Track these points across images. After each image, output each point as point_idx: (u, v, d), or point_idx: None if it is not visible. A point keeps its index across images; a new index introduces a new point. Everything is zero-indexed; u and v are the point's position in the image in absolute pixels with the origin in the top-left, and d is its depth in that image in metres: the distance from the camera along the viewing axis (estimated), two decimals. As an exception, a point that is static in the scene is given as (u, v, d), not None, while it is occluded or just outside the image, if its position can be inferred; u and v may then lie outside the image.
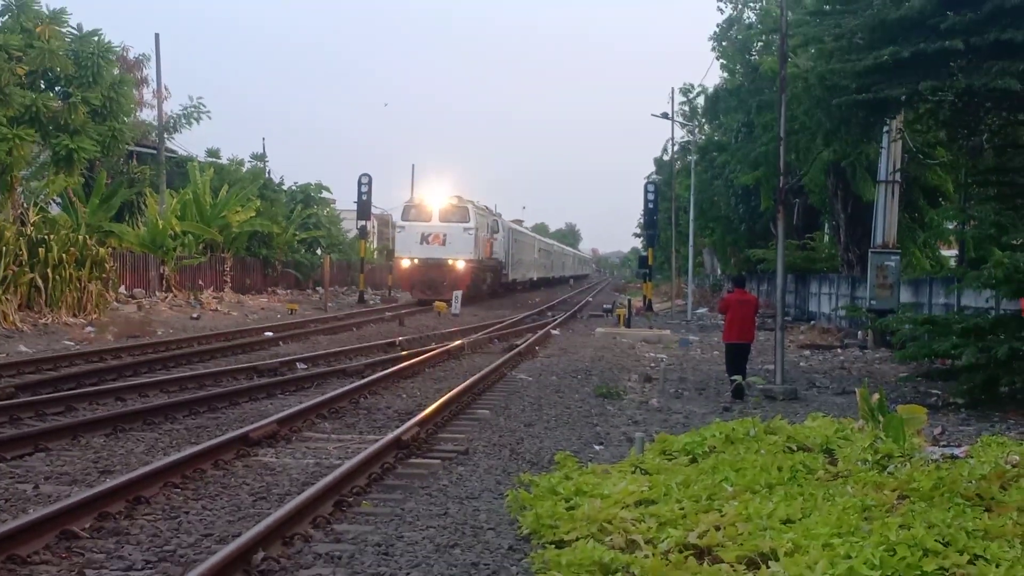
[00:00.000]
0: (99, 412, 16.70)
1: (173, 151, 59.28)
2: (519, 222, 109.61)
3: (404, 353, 27.64)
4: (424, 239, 58.78)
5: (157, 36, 56.33)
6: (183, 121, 56.15)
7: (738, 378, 21.90)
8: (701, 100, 63.67)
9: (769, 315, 36.86)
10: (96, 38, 40.83)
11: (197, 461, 12.85)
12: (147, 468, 11.99)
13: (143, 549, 9.53)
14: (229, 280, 56.19)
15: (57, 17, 39.84)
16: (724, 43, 55.71)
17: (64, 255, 34.54)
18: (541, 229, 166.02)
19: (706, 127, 58.66)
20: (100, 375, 21.53)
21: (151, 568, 8.93)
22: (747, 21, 54.70)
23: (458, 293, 56.44)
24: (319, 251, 73.67)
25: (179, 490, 11.82)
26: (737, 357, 22.37)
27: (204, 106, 55.56)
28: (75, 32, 40.51)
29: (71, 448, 14.01)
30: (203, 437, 14.78)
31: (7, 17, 38.90)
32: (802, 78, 25.00)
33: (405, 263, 59.77)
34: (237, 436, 14.32)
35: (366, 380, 21.09)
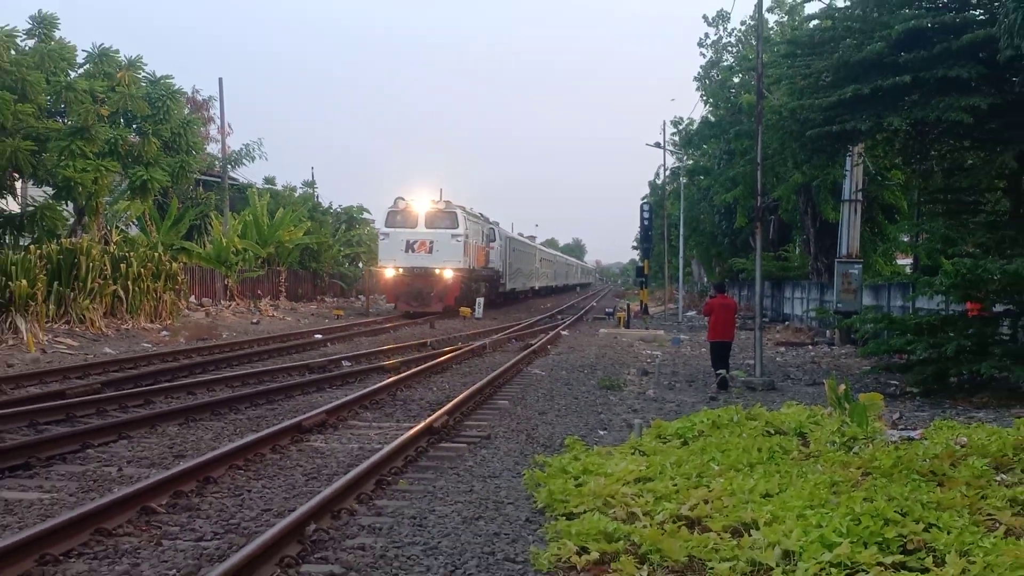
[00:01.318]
0: (173, 404, 16.76)
1: (235, 179, 59.71)
2: (532, 237, 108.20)
3: (434, 352, 27.71)
4: (409, 247, 47.55)
5: (221, 80, 56.43)
6: (244, 157, 57.50)
7: (722, 372, 21.95)
8: (692, 128, 63.74)
9: (749, 317, 36.81)
10: (166, 82, 41.07)
11: (257, 446, 12.92)
12: (215, 452, 12.05)
13: (212, 522, 9.58)
14: (284, 290, 56.37)
15: (134, 64, 40.03)
16: (707, 81, 55.79)
17: (142, 269, 34.76)
18: (552, 243, 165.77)
19: (693, 154, 58.57)
20: (174, 373, 21.61)
21: (218, 539, 8.97)
22: (725, 63, 54.86)
23: (480, 300, 55.78)
24: (360, 264, 72.67)
25: (242, 471, 11.88)
26: (721, 353, 22.37)
27: (262, 146, 57.81)
28: (149, 77, 40.69)
29: (149, 436, 14.07)
30: (262, 425, 14.83)
31: (91, 64, 39.16)
32: (776, 112, 24.97)
33: (389, 273, 48.38)
34: (292, 424, 14.37)
35: (402, 375, 21.11)
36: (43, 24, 37.42)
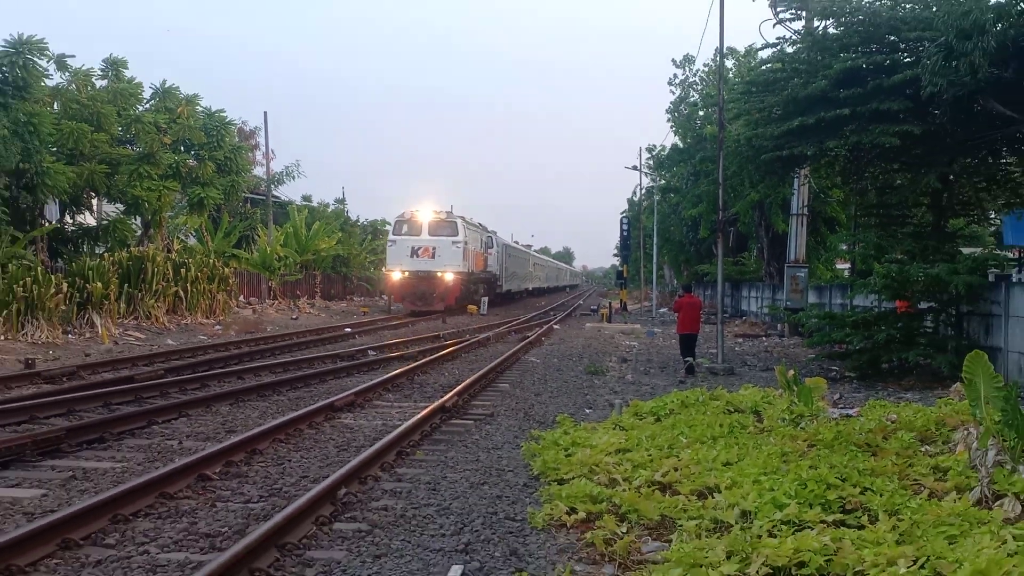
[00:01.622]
0: (225, 387, 16.78)
1: (277, 196, 59.87)
2: (529, 246, 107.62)
3: (446, 343, 27.72)
4: (414, 252, 44.97)
5: (265, 114, 57.20)
6: (285, 177, 58.19)
7: (690, 359, 21.95)
8: (663, 154, 63.76)
9: (712, 313, 36.68)
10: (220, 115, 41.35)
11: (296, 423, 12.93)
12: (260, 428, 12.07)
13: (258, 487, 9.59)
14: (318, 290, 56.52)
15: (191, 100, 40.33)
16: (676, 114, 55.86)
17: (199, 273, 34.91)
18: (545, 251, 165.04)
19: (665, 175, 58.64)
20: (225, 361, 21.63)
21: (264, 501, 8.98)
22: (691, 99, 54.96)
23: (485, 299, 55.47)
24: (384, 269, 73.18)
25: (283, 444, 11.89)
26: (688, 344, 22.33)
27: (300, 167, 58.93)
28: (204, 110, 40.94)
29: (205, 414, 14.09)
30: (300, 405, 14.84)
31: (155, 99, 39.45)
32: (735, 140, 25.03)
33: (396, 275, 45.63)
34: (325, 404, 14.38)
35: (418, 363, 21.10)
36: (114, 66, 37.73)
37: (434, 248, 45.33)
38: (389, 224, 69.73)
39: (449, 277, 44.90)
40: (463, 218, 49.09)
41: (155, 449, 11.40)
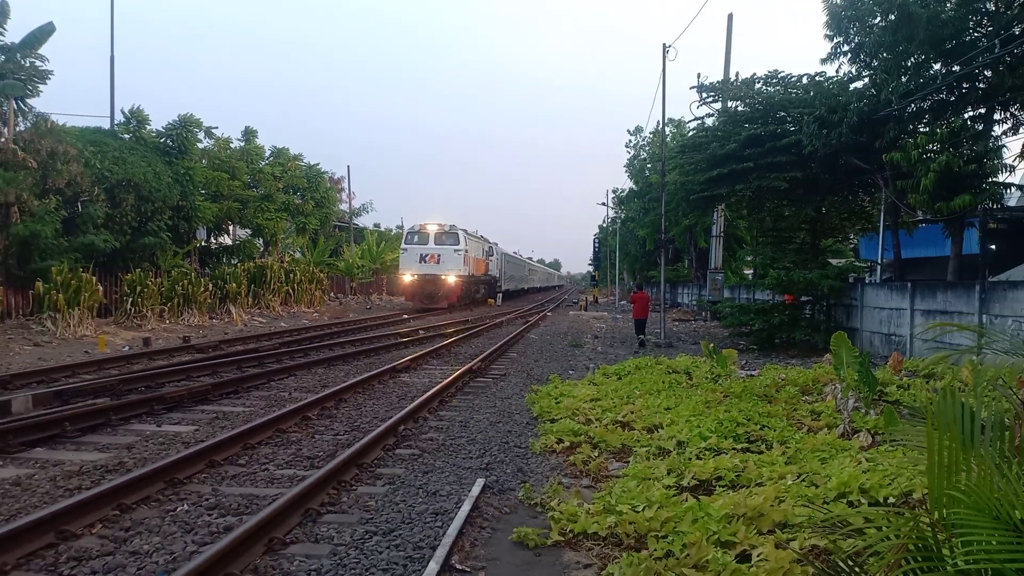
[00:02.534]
0: (321, 355, 16.78)
1: (356, 224, 59.95)
2: (530, 258, 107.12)
3: (473, 325, 27.70)
4: (422, 259, 39.22)
5: (348, 167, 56.87)
6: (362, 211, 58.81)
7: (642, 336, 21.91)
8: (623, 195, 63.86)
9: (656, 304, 36.70)
10: (316, 168, 41.66)
11: (369, 380, 12.93)
12: (345, 384, 12.08)
13: (343, 424, 9.60)
14: (384, 289, 56.43)
15: (296, 157, 40.87)
16: (632, 166, 55.95)
17: (303, 276, 34.92)
18: (541, 261, 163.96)
19: (624, 208, 58.79)
20: (321, 337, 21.61)
21: (347, 434, 8.98)
22: (641, 157, 54.97)
23: (500, 294, 54.72)
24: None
25: (361, 394, 11.90)
26: (640, 326, 22.28)
27: (373, 205, 59.54)
28: (306, 163, 41.25)
29: (307, 375, 14.10)
30: (372, 368, 14.85)
31: (272, 156, 39.89)
32: (672, 184, 25.08)
33: (407, 278, 39.52)
34: (389, 368, 14.35)
35: (453, 339, 21.07)
36: (248, 134, 38.32)
37: (439, 255, 39.47)
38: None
39: (451, 279, 39.17)
40: (465, 231, 43.15)
41: (272, 398, 11.44)
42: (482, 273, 47.20)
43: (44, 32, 23.36)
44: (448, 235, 39.95)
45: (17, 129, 22.35)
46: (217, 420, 9.69)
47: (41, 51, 23.45)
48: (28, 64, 23.27)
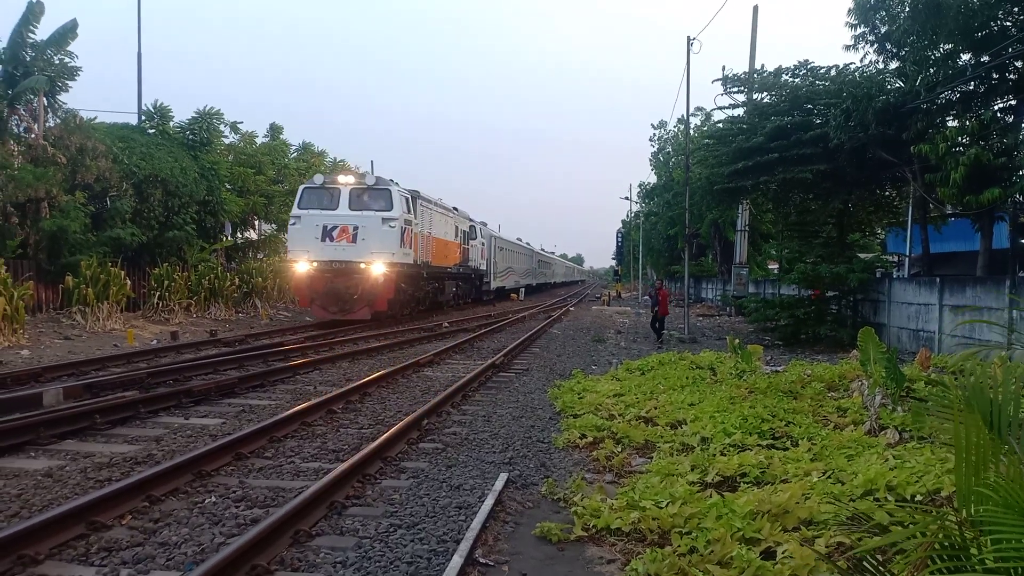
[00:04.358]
0: (346, 349, 16.91)
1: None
2: (552, 253, 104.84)
3: (495, 320, 27.71)
4: (327, 234, 23.08)
5: (372, 163, 57.02)
6: None
7: (664, 332, 21.83)
8: (648, 188, 63.55)
9: (681, 299, 36.56)
10: (342, 162, 41.88)
11: (393, 374, 13.01)
12: (369, 377, 12.15)
13: (367, 418, 9.66)
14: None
15: (322, 154, 41.08)
16: (657, 159, 55.71)
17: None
18: (564, 256, 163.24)
19: (648, 203, 58.52)
20: (345, 332, 21.72)
21: (371, 428, 9.04)
22: (666, 151, 54.65)
23: (521, 288, 50.60)
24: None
25: (385, 388, 11.96)
26: (662, 324, 22.12)
27: None
28: (332, 159, 41.55)
29: (332, 368, 14.22)
30: (396, 362, 14.88)
31: (298, 152, 40.24)
32: (697, 178, 24.94)
33: (301, 268, 22.95)
34: (413, 362, 14.44)
35: (476, 334, 21.11)
36: (274, 129, 38.60)
37: (356, 228, 22.91)
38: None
39: (378, 271, 22.51)
40: (411, 192, 25.40)
41: (298, 392, 11.54)
42: (453, 263, 31.89)
43: (69, 29, 23.69)
44: (372, 194, 23.01)
45: (47, 125, 22.70)
46: (243, 413, 9.80)
47: (69, 48, 23.81)
48: (57, 61, 23.63)
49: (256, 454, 7.67)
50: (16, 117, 22.83)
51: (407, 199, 24.31)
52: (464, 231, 34.89)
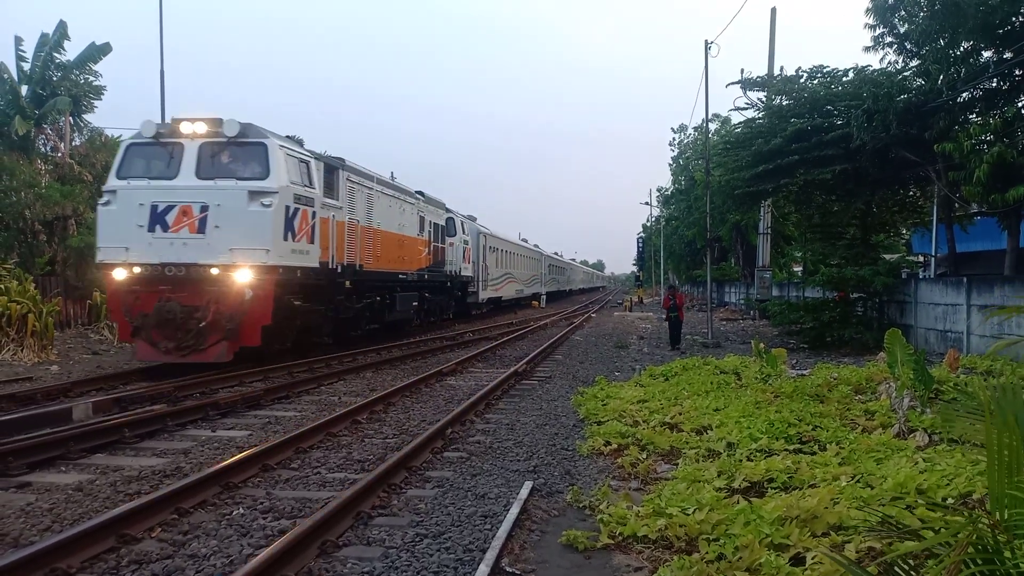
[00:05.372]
0: (369, 359, 16.96)
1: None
2: (573, 259, 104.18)
3: (518, 327, 27.69)
4: (157, 219, 12.32)
5: (392, 173, 57.05)
6: None
7: (684, 338, 21.70)
8: (668, 193, 63.48)
9: (703, 303, 36.34)
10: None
11: (417, 384, 13.04)
12: (393, 387, 12.20)
13: (391, 427, 9.68)
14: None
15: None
16: (677, 163, 55.68)
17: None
18: (584, 262, 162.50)
19: (668, 208, 58.55)
20: (369, 342, 21.78)
21: (396, 438, 9.06)
22: (685, 155, 54.59)
23: (542, 295, 50.27)
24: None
25: (408, 398, 11.99)
26: (675, 325, 21.85)
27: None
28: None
29: (356, 379, 14.26)
30: (419, 372, 14.92)
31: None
32: (717, 182, 24.85)
33: (119, 275, 12.59)
34: (436, 371, 14.48)
35: (498, 342, 21.12)
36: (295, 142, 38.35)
37: (205, 209, 12.89)
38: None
39: (241, 279, 12.98)
40: (342, 162, 17.31)
41: (323, 403, 11.58)
42: (415, 267, 22.43)
43: (99, 50, 24.10)
44: (237, 152, 13.74)
45: (73, 144, 23.09)
46: (269, 424, 9.86)
47: (95, 67, 24.22)
48: (83, 81, 24.05)
49: (282, 465, 7.71)
50: (43, 136, 23.26)
51: (303, 163, 14.59)
52: (438, 225, 25.69)
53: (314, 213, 14.83)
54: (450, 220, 27.87)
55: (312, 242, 14.81)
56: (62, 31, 23.37)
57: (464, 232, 29.85)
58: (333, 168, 16.63)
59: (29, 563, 4.74)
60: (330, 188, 16.18)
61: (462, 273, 29.10)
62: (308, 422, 9.57)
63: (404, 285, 21.76)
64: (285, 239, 13.70)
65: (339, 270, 16.44)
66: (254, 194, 13.17)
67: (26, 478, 7.19)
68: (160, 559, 5.18)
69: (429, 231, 24.35)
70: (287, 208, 13.71)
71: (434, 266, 24.78)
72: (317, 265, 15.11)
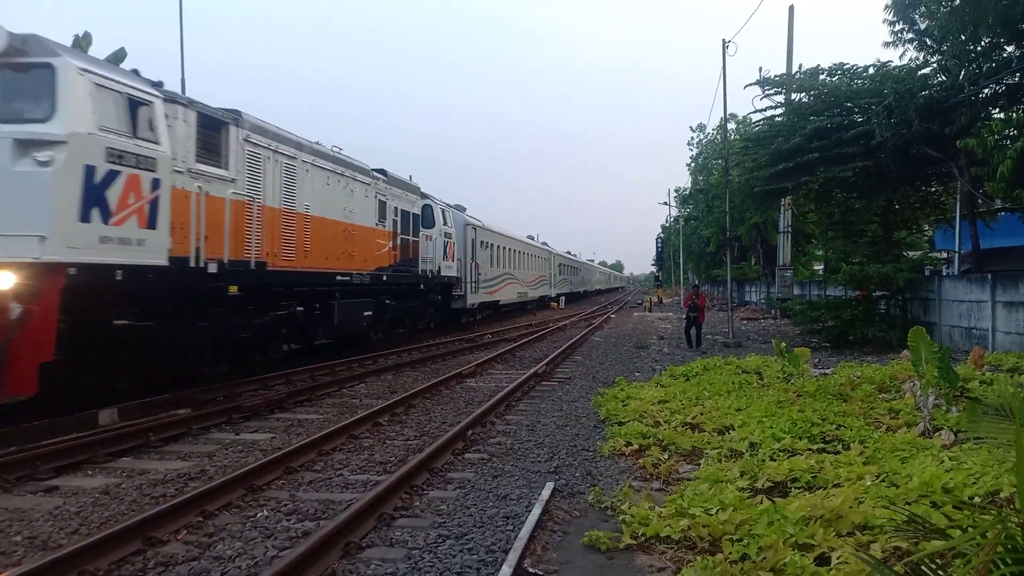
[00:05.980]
0: (389, 362, 17.00)
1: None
2: (591, 260, 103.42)
3: (536, 329, 27.64)
4: None
5: (411, 176, 57.24)
6: None
7: (693, 337, 21.60)
8: (686, 192, 63.23)
9: (724, 303, 36.11)
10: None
11: (437, 386, 13.07)
12: (413, 390, 12.23)
13: (412, 429, 9.71)
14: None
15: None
16: (696, 163, 55.50)
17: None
18: (603, 263, 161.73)
19: (687, 207, 58.33)
20: (390, 345, 21.83)
21: (417, 440, 9.08)
22: (705, 153, 54.35)
23: (562, 297, 50.30)
24: None
25: (429, 400, 12.02)
26: (696, 326, 21.77)
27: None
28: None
29: (376, 381, 14.31)
30: (439, 374, 14.94)
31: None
32: (736, 181, 24.74)
33: None
34: (456, 373, 14.51)
35: (518, 344, 21.10)
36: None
37: None
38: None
39: (1, 286, 7.32)
40: (238, 114, 11.79)
41: (344, 405, 11.63)
42: (370, 266, 17.62)
43: (113, 56, 24.33)
44: (6, 79, 8.18)
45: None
46: (292, 427, 9.92)
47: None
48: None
49: (305, 467, 7.75)
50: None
51: (135, 103, 9.48)
52: (409, 213, 20.64)
53: (157, 181, 9.69)
54: (427, 208, 22.46)
55: (152, 227, 9.69)
56: (80, 43, 23.65)
57: (447, 223, 24.31)
58: (218, 123, 11.40)
59: (58, 566, 4.80)
60: (209, 150, 11.13)
61: (443, 273, 23.74)
62: (330, 424, 9.62)
63: (349, 290, 16.50)
64: (86, 219, 8.59)
65: (214, 270, 11.14)
66: (24, 144, 8.08)
67: (54, 482, 7.28)
68: (186, 561, 5.22)
69: (394, 220, 19.23)
70: (89, 169, 8.59)
71: (401, 264, 19.76)
72: (165, 262, 9.99)
